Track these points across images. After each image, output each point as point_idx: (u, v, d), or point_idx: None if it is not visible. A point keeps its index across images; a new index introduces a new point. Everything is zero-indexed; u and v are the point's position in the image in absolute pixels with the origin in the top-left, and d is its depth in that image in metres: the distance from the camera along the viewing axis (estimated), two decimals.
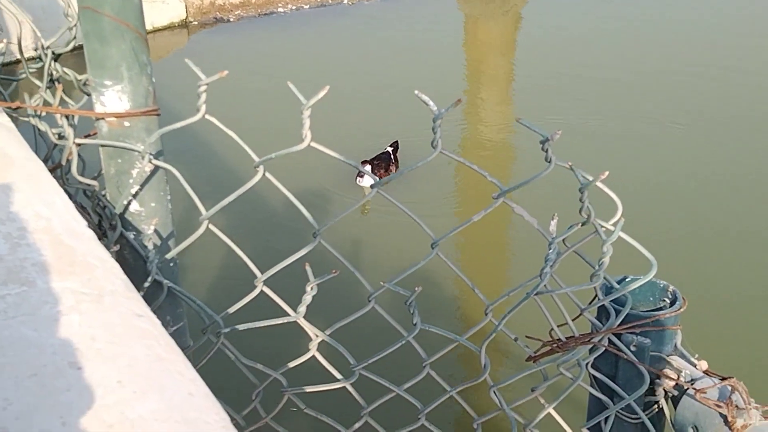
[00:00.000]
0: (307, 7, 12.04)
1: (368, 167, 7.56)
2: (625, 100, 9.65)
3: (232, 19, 11.73)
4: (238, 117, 8.99)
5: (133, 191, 2.03)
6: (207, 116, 1.94)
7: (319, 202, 7.25)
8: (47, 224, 1.59)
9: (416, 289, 1.93)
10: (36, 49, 8.89)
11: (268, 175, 2.00)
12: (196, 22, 11.67)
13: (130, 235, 2.05)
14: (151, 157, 2.00)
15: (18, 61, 9.67)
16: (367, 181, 7.60)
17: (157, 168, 2.03)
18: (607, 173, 1.80)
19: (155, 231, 2.06)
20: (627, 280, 2.02)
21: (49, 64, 2.21)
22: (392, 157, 7.91)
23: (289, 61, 10.61)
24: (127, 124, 1.99)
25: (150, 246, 1.99)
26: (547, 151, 1.81)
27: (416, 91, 1.82)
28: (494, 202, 1.90)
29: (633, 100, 9.62)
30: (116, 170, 2.04)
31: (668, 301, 2.05)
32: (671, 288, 2.05)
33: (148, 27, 11.34)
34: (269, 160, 1.94)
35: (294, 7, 12.00)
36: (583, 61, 10.79)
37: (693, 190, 7.63)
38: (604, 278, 1.93)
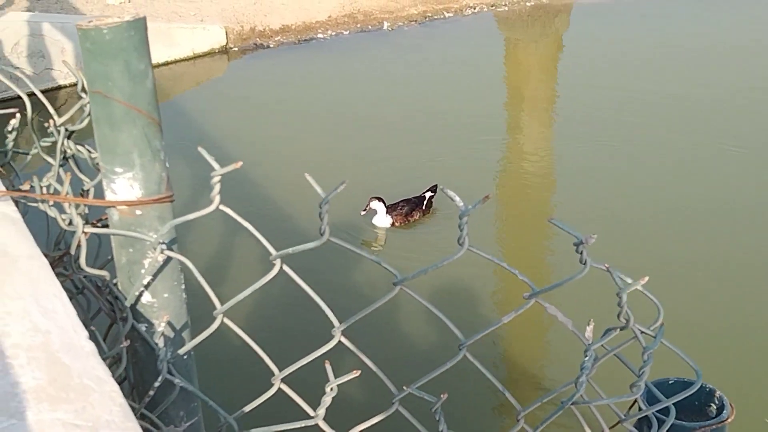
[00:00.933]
0: (346, 33, 11.99)
1: (378, 203, 7.29)
2: (672, 122, 9.47)
3: (272, 45, 11.71)
4: (274, 145, 8.97)
5: (145, 282, 1.92)
6: (221, 207, 1.83)
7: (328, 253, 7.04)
8: (44, 339, 1.49)
9: (442, 396, 1.80)
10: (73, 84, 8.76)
11: (285, 268, 1.89)
12: (236, 48, 11.66)
13: (142, 328, 1.95)
14: (164, 247, 1.90)
15: (60, 88, 9.76)
16: (381, 221, 7.33)
17: (170, 258, 1.93)
18: (647, 278, 1.67)
19: (168, 323, 1.96)
20: (670, 382, 1.88)
21: (62, 142, 2.12)
22: (424, 202, 7.49)
23: (328, 88, 10.56)
24: (138, 212, 1.89)
25: (161, 342, 1.88)
26: (582, 254, 1.68)
27: (441, 186, 1.70)
28: (526, 303, 1.77)
29: (678, 123, 9.43)
30: (127, 260, 1.93)
31: (714, 408, 1.91)
32: (718, 393, 1.90)
33: (189, 53, 11.45)
34: (287, 254, 1.83)
35: (333, 33, 11.95)
36: (626, 84, 10.62)
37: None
38: (646, 385, 1.80)
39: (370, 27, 12.09)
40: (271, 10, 12.14)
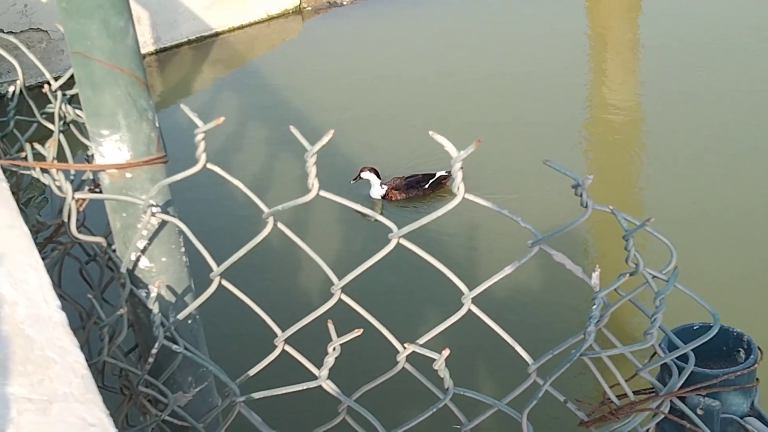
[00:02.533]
0: None
1: (370, 174, 7.06)
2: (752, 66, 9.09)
3: (345, 3, 11.59)
4: (348, 104, 8.90)
5: (140, 246, 1.87)
6: (209, 165, 1.75)
7: (329, 221, 6.93)
8: (10, 311, 1.44)
9: (443, 352, 1.71)
10: (154, 43, 8.80)
11: (280, 225, 1.81)
12: (309, 8, 11.57)
13: (142, 294, 1.90)
14: (156, 209, 1.84)
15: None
16: (375, 192, 7.10)
17: (165, 220, 1.87)
18: (653, 219, 1.54)
19: (168, 288, 1.91)
20: (695, 328, 1.75)
21: (60, 107, 2.07)
22: (430, 180, 7.13)
23: (404, 44, 10.41)
24: (128, 175, 1.84)
25: (155, 308, 1.82)
26: (581, 196, 1.55)
27: (431, 132, 1.59)
28: (530, 251, 1.65)
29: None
30: (122, 224, 1.88)
31: (743, 353, 1.77)
32: (746, 337, 1.76)
33: (263, 15, 11.42)
34: (278, 211, 1.75)
35: None
36: (712, 27, 10.21)
37: None
38: (664, 332, 1.67)
39: None
40: None
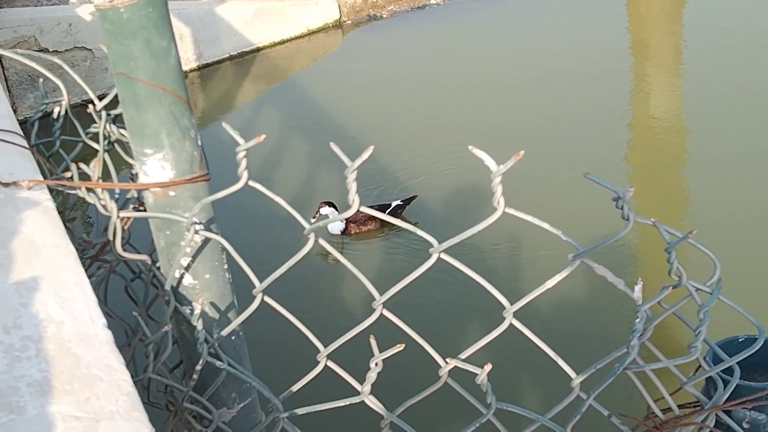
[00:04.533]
0: None
1: (329, 209, 6.73)
2: None
3: (385, 15, 11.64)
4: (389, 116, 8.92)
5: (184, 263, 1.89)
6: (251, 183, 1.77)
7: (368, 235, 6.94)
8: (57, 330, 1.46)
9: (485, 367, 1.71)
10: (196, 60, 8.85)
11: (321, 241, 1.82)
12: (349, 22, 11.63)
13: (186, 311, 1.92)
14: (199, 227, 1.86)
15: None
16: (334, 227, 6.85)
17: (209, 238, 1.89)
18: (695, 231, 1.53)
19: (211, 304, 1.92)
20: (740, 340, 1.73)
21: (104, 127, 2.10)
22: (387, 210, 6.84)
23: (443, 55, 10.43)
24: (172, 193, 1.86)
25: (199, 325, 1.84)
26: (622, 209, 1.55)
27: (470, 147, 1.60)
28: (572, 264, 1.65)
29: None
30: (166, 242, 1.91)
31: None
32: None
33: (303, 30, 11.50)
34: (317, 227, 1.76)
35: None
36: (756, 28, 10.11)
37: None
38: (708, 345, 1.66)
39: None
40: None
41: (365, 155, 1.64)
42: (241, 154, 1.75)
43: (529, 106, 8.82)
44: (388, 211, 6.82)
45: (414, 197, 7.10)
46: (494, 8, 11.51)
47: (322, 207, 6.77)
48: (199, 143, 1.89)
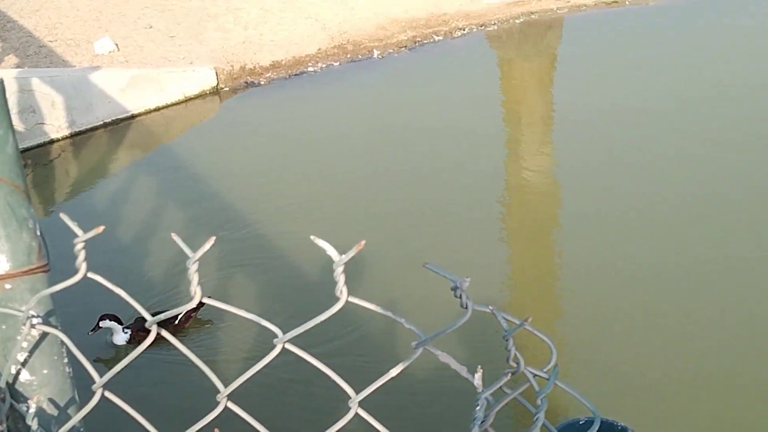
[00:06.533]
0: (337, 64, 11.92)
1: (110, 322, 6.40)
2: (670, 128, 9.38)
3: (262, 82, 11.66)
4: (271, 183, 8.90)
5: (21, 359, 1.83)
6: (90, 275, 1.72)
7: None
8: None
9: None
10: (69, 127, 8.58)
11: (164, 333, 1.78)
12: (227, 88, 11.61)
13: (23, 408, 1.85)
14: (36, 320, 1.80)
15: (52, 142, 9.61)
16: (118, 339, 6.47)
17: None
18: (530, 318, 1.55)
19: (50, 401, 1.86)
20: (581, 422, 1.76)
21: None
22: (173, 321, 6.59)
23: (320, 120, 10.50)
24: (8, 286, 1.80)
25: (35, 424, 1.77)
26: (461, 297, 1.56)
27: (312, 237, 1.59)
28: (414, 353, 1.65)
29: (676, 131, 9.32)
30: (1, 337, 1.84)
31: None
32: (630, 430, 1.77)
33: (180, 96, 11.40)
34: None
35: (324, 65, 11.89)
36: (623, 95, 10.51)
37: None
38: (549, 429, 1.67)
39: (360, 56, 12.03)
40: (260, 47, 12.11)
41: (206, 246, 1.63)
42: (79, 246, 1.71)
43: (404, 167, 8.96)
44: (180, 315, 6.53)
45: (203, 305, 6.27)
46: (369, 76, 11.68)
47: (102, 320, 6.39)
48: (38, 233, 1.84)
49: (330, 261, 1.56)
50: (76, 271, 1.72)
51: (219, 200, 8.66)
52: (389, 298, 6.75)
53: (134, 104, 11.02)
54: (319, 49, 12.18)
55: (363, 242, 1.58)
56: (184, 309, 1.82)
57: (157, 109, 11.18)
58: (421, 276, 6.93)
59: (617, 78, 11.17)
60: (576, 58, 12.09)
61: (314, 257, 7.24)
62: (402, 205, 8.32)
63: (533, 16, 13.04)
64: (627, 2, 13.31)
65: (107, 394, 1.81)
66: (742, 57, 11.42)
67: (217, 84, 11.63)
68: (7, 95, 1.80)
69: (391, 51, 12.21)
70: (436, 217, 8.10)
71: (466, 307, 1.59)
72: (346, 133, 10.04)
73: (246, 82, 11.67)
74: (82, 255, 1.72)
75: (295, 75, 11.81)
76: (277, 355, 1.73)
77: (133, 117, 10.99)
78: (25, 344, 1.80)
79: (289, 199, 8.59)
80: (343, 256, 1.58)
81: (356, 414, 1.72)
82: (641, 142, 9.31)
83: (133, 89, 10.98)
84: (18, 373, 1.83)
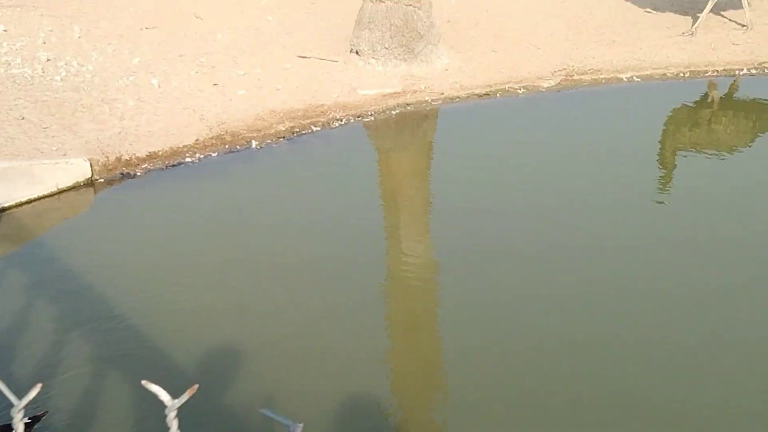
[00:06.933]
0: (215, 154, 11.92)
1: None
2: (546, 220, 9.62)
3: (138, 174, 11.54)
4: (142, 280, 8.79)
5: None
6: None
7: None
8: None
9: None
10: None
11: None
12: (102, 180, 11.45)
13: None
14: None
15: None
16: None
17: None
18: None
19: None
20: None
21: None
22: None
23: (196, 213, 10.44)
24: None
25: None
26: None
27: (143, 381, 1.59)
28: None
29: (552, 222, 9.58)
30: None
31: None
32: None
33: (53, 188, 11.21)
34: None
35: (202, 156, 11.87)
36: (498, 184, 10.79)
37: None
38: None
39: (238, 147, 12.06)
40: (136, 138, 12.03)
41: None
42: None
43: (282, 259, 8.99)
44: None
45: (44, 414, 6.21)
46: (247, 166, 11.70)
47: None
48: None
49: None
50: None
51: (94, 292, 8.49)
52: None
53: (4, 197, 10.76)
54: (197, 140, 12.16)
55: (196, 386, 1.58)
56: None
57: (29, 202, 10.94)
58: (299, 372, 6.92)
59: (491, 166, 11.46)
60: (451, 148, 12.39)
61: (182, 348, 7.15)
62: (278, 297, 8.30)
63: (409, 107, 13.33)
64: (498, 94, 13.71)
65: None
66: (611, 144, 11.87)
67: (92, 176, 11.46)
68: None
69: (270, 141, 12.28)
70: (313, 310, 8.10)
71: None
72: (221, 224, 10.02)
73: (122, 174, 11.53)
74: None
75: (173, 166, 11.73)
76: None
77: (3, 210, 10.72)
78: None
79: (161, 289, 8.48)
80: (176, 401, 1.58)
81: None
82: (519, 233, 9.55)
83: (2, 182, 10.74)
84: None
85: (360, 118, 12.97)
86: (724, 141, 12.26)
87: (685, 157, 11.73)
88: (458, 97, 13.56)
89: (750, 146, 12.04)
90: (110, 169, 11.54)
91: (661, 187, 10.73)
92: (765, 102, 13.33)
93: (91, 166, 11.48)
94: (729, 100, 13.54)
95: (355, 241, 9.53)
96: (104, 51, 15.02)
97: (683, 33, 15.18)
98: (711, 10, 14.89)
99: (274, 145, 12.22)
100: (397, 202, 11.24)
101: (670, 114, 13.12)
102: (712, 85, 13.89)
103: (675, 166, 11.47)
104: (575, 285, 8.43)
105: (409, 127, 13.15)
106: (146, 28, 16.23)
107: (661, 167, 11.44)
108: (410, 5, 14.14)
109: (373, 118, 13.03)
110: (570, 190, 10.62)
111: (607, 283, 8.50)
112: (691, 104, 13.47)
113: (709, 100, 13.68)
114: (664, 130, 12.56)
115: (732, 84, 13.96)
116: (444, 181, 11.35)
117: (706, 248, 9.21)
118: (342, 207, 10.46)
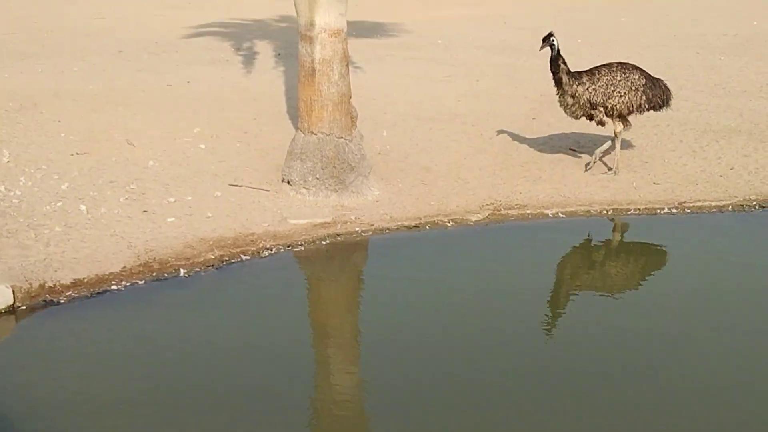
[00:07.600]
0: (141, 282, 11.79)
1: None
2: (477, 347, 9.64)
3: (62, 301, 11.32)
4: (62, 403, 8.55)
5: None
6: None
7: None
8: None
9: None
10: None
11: None
12: (24, 307, 11.19)
13: None
14: None
15: None
16: None
17: None
18: None
19: None
20: None
21: None
22: None
23: (119, 341, 10.30)
24: None
25: None
26: None
27: None
28: None
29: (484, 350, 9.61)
30: None
31: None
32: None
33: None
34: None
35: (128, 284, 11.72)
36: (428, 314, 10.83)
37: None
38: None
39: (166, 275, 11.95)
40: (61, 264, 11.86)
41: None
42: None
43: (205, 393, 8.85)
44: None
45: None
46: (174, 294, 11.59)
47: None
48: None
49: None
50: None
51: (11, 423, 8.24)
52: None
53: None
54: (124, 267, 12.02)
55: None
56: None
57: None
58: None
59: (420, 298, 11.52)
60: (381, 278, 12.43)
61: None
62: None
63: (339, 238, 13.39)
64: (427, 227, 13.88)
65: None
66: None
67: (14, 302, 11.21)
68: None
69: (198, 270, 12.19)
70: None
71: None
72: (143, 354, 9.88)
73: (45, 301, 11.30)
74: None
75: (98, 293, 11.55)
76: None
77: None
78: None
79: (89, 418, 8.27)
80: None
81: None
82: (449, 366, 9.57)
83: None
84: None
85: (290, 248, 12.98)
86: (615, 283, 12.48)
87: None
88: (388, 229, 13.67)
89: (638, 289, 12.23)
90: (33, 297, 11.31)
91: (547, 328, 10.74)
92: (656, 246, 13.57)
93: (14, 293, 11.24)
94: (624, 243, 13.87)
95: (284, 372, 9.43)
96: (33, 176, 14.91)
97: (605, 172, 15.65)
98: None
99: (202, 274, 12.13)
100: (328, 332, 11.20)
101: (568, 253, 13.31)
102: (618, 226, 14.22)
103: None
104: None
105: (339, 257, 13.20)
106: (77, 154, 16.17)
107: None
108: (342, 137, 14.35)
109: (303, 248, 13.05)
110: (483, 325, 10.69)
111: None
112: (599, 243, 13.74)
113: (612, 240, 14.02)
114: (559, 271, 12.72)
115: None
116: (374, 311, 11.35)
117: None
118: (269, 336, 10.39)
